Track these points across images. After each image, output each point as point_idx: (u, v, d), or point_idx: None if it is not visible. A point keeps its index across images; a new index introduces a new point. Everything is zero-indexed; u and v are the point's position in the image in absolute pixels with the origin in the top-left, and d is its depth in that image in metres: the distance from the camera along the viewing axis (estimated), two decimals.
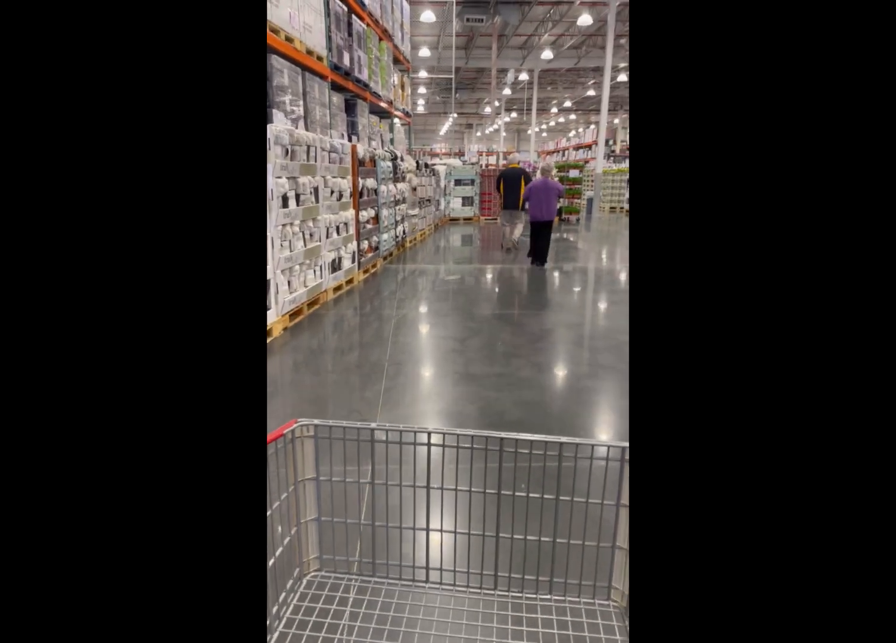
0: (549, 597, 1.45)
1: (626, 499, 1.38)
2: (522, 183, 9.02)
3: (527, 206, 8.43)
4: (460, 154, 23.26)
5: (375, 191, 7.73)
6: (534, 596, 1.45)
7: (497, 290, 6.74)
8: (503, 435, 1.41)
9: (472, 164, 16.91)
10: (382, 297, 6.27)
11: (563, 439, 1.40)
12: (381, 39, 9.02)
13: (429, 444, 1.40)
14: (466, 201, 16.20)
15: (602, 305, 5.85)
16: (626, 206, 17.77)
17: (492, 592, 1.46)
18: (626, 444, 1.36)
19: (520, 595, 1.46)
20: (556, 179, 9.92)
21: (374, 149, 8.14)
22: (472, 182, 15.89)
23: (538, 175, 8.48)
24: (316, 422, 1.40)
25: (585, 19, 14.62)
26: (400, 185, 9.25)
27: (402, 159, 9.56)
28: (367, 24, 8.10)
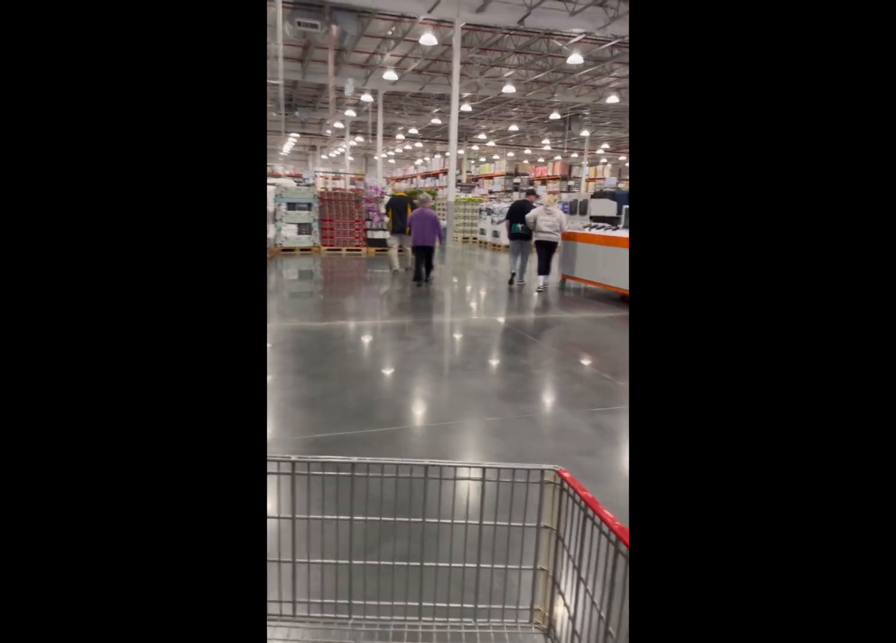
0: (472, 622, 1.51)
1: (546, 521, 1.49)
2: (409, 210, 10.11)
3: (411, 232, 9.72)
4: (297, 176, 22.82)
5: None
6: (458, 622, 1.51)
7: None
8: (427, 462, 1.47)
9: (309, 185, 15.58)
10: None
11: (486, 464, 1.49)
12: None
13: (352, 475, 1.42)
14: (303, 229, 14.64)
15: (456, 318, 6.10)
16: (480, 237, 18.34)
17: (416, 622, 1.50)
18: (548, 467, 1.46)
19: (444, 623, 1.51)
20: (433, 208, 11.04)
21: None
22: (309, 206, 14.54)
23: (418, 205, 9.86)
24: None
25: (429, 39, 15.14)
26: None
27: None
28: None
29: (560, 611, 1.52)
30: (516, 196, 19.48)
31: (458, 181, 19.91)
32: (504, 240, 12.79)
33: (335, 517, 1.53)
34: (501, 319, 7.26)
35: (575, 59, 16.03)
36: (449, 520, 1.55)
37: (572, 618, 1.41)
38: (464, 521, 1.54)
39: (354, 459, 1.49)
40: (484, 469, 1.50)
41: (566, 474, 1.46)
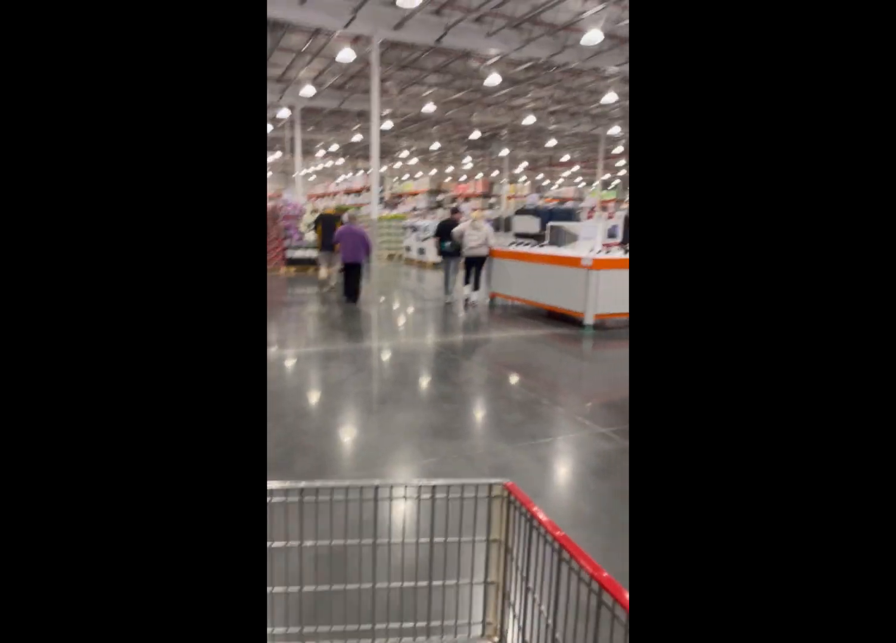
0: (425, 641, 1.53)
1: (495, 535, 1.52)
2: (338, 226, 10.19)
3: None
4: None
5: None
6: (411, 642, 1.52)
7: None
8: (377, 482, 1.49)
9: None
10: None
11: (435, 482, 1.51)
12: None
13: (301, 500, 1.42)
14: None
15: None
16: (407, 254, 18.34)
17: None
18: (495, 481, 1.49)
19: None
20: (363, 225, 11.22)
21: None
22: None
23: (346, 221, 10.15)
24: None
25: (347, 54, 15.11)
26: None
27: None
28: None
29: (511, 623, 1.56)
30: (440, 213, 19.65)
31: (382, 198, 19.92)
32: (430, 256, 12.80)
33: (283, 544, 1.52)
34: (433, 341, 7.29)
35: (493, 79, 16.26)
36: (400, 540, 1.57)
37: (521, 629, 1.45)
38: (415, 540, 1.56)
39: (303, 484, 1.49)
40: (434, 487, 1.53)
41: (514, 487, 1.51)
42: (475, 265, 9.53)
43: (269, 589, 1.54)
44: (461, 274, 9.93)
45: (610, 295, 7.71)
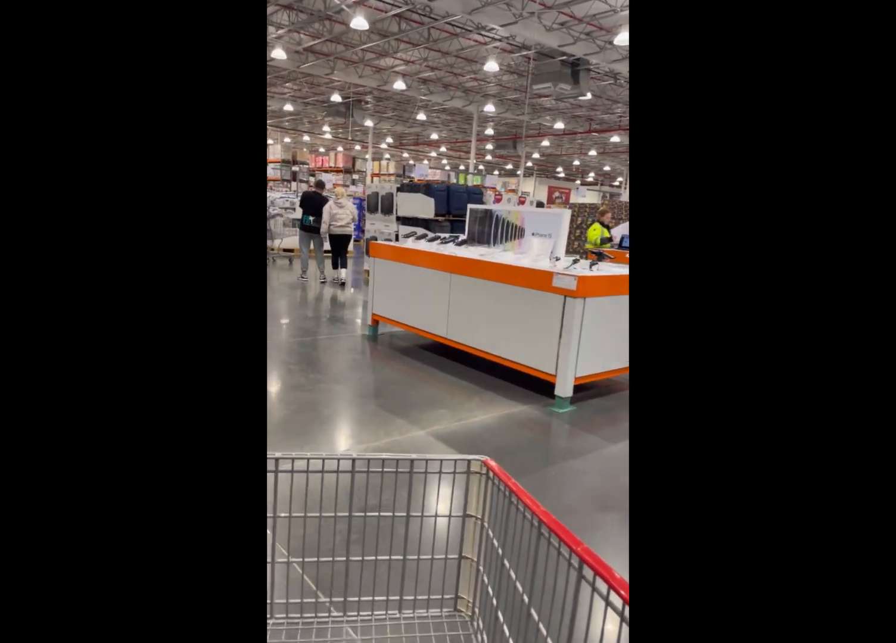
0: (397, 614, 1.56)
1: (472, 510, 1.56)
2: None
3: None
4: None
5: None
6: (383, 615, 1.55)
7: None
8: (355, 455, 1.50)
9: None
10: None
11: (413, 456, 1.53)
12: None
13: (276, 471, 1.43)
14: None
15: None
16: None
17: (340, 618, 1.53)
18: (474, 457, 1.52)
19: (369, 616, 1.55)
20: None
21: None
22: None
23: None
24: None
25: None
26: None
27: None
28: None
29: (484, 598, 1.59)
30: (294, 186, 18.47)
31: None
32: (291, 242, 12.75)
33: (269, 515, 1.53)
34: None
35: (358, 23, 13.56)
36: (375, 513, 1.59)
37: (496, 604, 1.48)
38: (390, 514, 1.58)
39: (278, 454, 1.49)
40: (412, 461, 1.55)
41: (492, 464, 1.54)
42: (342, 244, 9.92)
43: None
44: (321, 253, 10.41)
45: (603, 341, 4.63)
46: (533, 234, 5.43)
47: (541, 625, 1.30)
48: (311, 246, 10.20)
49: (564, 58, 15.18)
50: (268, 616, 1.63)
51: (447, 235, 6.64)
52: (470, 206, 6.37)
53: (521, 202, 15.68)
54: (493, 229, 5.92)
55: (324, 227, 9.58)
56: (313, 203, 9.90)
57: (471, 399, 4.36)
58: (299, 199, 10.58)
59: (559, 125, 23.16)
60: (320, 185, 10.75)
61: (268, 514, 1.60)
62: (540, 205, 16.73)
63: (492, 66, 15.44)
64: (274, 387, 4.39)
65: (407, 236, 7.20)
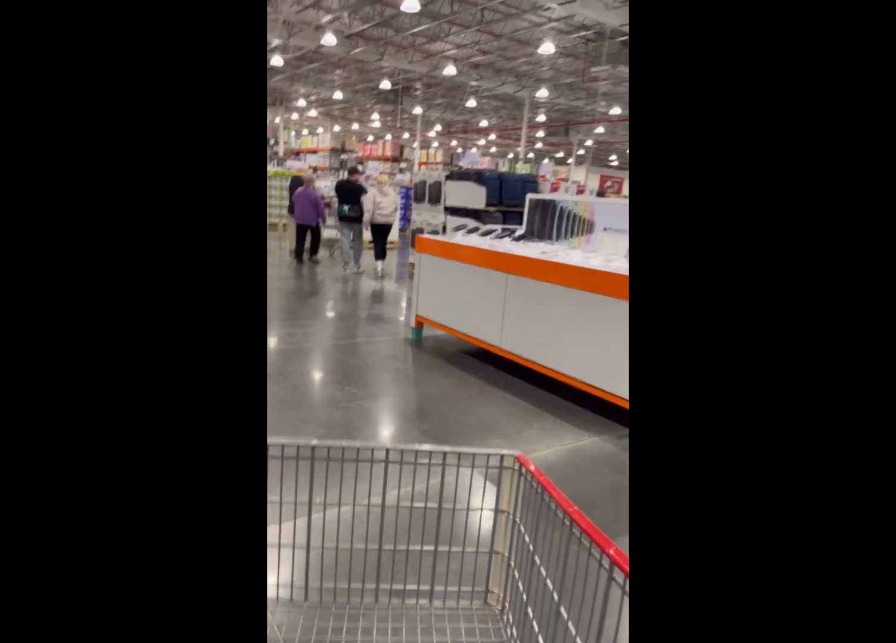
0: (428, 604, 1.58)
1: (504, 505, 1.56)
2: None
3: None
4: None
5: None
6: (414, 604, 1.58)
7: None
8: (388, 446, 1.52)
9: None
10: None
11: (447, 449, 1.54)
12: None
13: (312, 458, 1.46)
14: None
15: None
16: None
17: (373, 605, 1.56)
18: (507, 452, 1.52)
19: (400, 605, 1.58)
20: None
21: None
22: None
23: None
24: None
25: None
26: None
27: None
28: None
29: (514, 593, 1.60)
30: (342, 175, 17.30)
31: (275, 154, 17.37)
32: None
33: (293, 500, 1.57)
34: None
35: (409, 5, 12.82)
36: (408, 504, 1.61)
37: (525, 600, 1.49)
38: (423, 505, 1.60)
39: (314, 442, 1.53)
40: (445, 454, 1.56)
41: (525, 459, 1.54)
42: (383, 234, 9.55)
43: (277, 545, 1.59)
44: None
45: None
46: (605, 228, 4.68)
47: (570, 624, 1.31)
48: (351, 236, 9.73)
49: (624, 38, 14.58)
50: (304, 598, 1.68)
51: (502, 228, 5.86)
52: (530, 195, 5.66)
53: (580, 192, 14.96)
54: (556, 222, 5.22)
55: (366, 216, 9.18)
56: (347, 192, 9.52)
57: (530, 425, 3.65)
58: (334, 189, 10.29)
59: (615, 110, 22.39)
60: (353, 171, 10.14)
61: (304, 500, 1.64)
62: (600, 194, 16.11)
63: (547, 47, 14.70)
64: (303, 402, 3.81)
65: (457, 229, 6.32)
